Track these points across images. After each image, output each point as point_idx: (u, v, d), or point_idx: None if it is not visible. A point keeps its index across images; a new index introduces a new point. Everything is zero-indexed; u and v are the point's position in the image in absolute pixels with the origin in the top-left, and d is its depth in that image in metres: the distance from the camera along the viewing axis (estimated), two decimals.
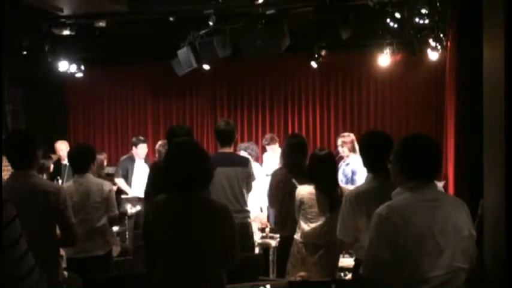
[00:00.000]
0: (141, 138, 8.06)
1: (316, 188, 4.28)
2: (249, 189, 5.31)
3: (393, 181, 2.64)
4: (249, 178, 5.22)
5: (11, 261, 1.70)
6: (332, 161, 4.40)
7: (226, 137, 5.21)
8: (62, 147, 7.96)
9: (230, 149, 5.25)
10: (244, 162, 5.25)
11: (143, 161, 7.90)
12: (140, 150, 7.85)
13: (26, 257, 1.75)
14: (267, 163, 7.67)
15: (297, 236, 4.37)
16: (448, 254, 2.42)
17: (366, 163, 3.49)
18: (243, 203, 5.17)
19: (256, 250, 5.48)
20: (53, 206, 3.42)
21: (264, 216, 6.10)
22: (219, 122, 5.54)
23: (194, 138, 5.15)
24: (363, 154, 3.56)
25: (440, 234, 2.42)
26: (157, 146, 7.35)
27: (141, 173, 7.62)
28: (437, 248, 2.41)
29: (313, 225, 4.27)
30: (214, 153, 6.23)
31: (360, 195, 3.34)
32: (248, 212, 5.26)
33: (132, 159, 7.89)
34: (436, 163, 2.58)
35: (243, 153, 6.59)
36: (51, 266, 3.43)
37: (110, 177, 7.27)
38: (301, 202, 4.31)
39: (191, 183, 2.81)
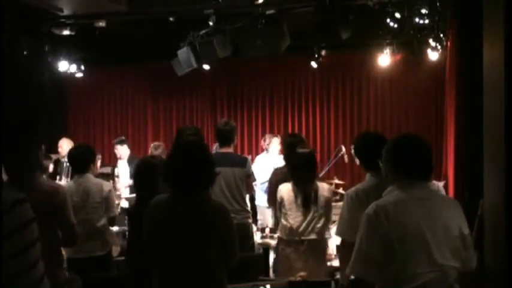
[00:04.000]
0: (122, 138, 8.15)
1: (293, 185, 4.40)
2: (248, 189, 5.31)
3: (384, 179, 2.69)
4: (248, 178, 5.22)
5: (18, 270, 1.61)
6: (311, 159, 4.46)
7: (225, 137, 5.21)
8: (62, 144, 7.93)
9: (229, 149, 5.25)
10: (243, 163, 5.25)
11: (125, 161, 7.93)
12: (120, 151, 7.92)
13: (37, 266, 1.67)
14: (259, 165, 7.65)
15: (280, 233, 4.50)
16: (437, 252, 2.43)
17: (363, 163, 3.55)
18: (242, 203, 5.17)
19: (256, 250, 5.48)
20: (53, 206, 3.42)
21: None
22: (219, 122, 5.55)
23: (202, 139, 5.13)
24: (359, 154, 3.62)
25: (430, 232, 2.44)
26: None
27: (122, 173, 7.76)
28: (426, 246, 2.42)
29: (292, 221, 4.38)
30: (213, 153, 6.24)
31: (360, 193, 3.39)
32: (248, 212, 5.26)
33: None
34: (426, 163, 2.61)
35: None
36: (53, 267, 3.43)
37: (105, 178, 7.29)
38: (281, 199, 4.45)
39: (193, 183, 2.80)
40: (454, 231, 2.50)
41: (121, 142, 7.96)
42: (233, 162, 5.18)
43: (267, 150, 7.76)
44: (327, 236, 4.44)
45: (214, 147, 6.58)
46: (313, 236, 4.33)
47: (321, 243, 4.40)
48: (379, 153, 3.12)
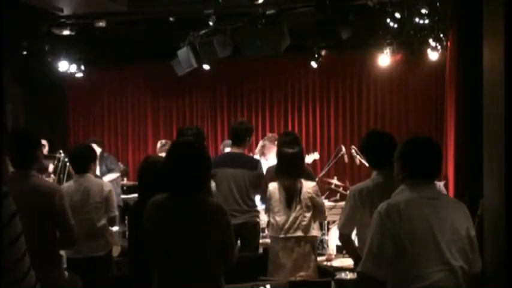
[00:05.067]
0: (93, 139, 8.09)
1: (278, 183, 4.54)
2: (260, 190, 5.30)
3: (395, 179, 2.73)
4: (258, 180, 5.22)
5: (7, 264, 1.61)
6: (294, 158, 4.55)
7: (236, 136, 5.27)
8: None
9: (241, 149, 5.27)
10: (253, 165, 5.27)
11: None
12: None
13: (23, 260, 1.67)
14: None
15: (269, 231, 4.65)
16: (445, 251, 2.45)
17: (369, 160, 3.57)
18: (251, 204, 5.21)
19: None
20: (50, 207, 3.41)
21: None
22: (236, 120, 5.79)
23: (203, 139, 5.14)
24: (366, 152, 3.63)
25: (439, 231, 2.47)
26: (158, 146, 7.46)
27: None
28: (436, 245, 2.45)
29: (278, 218, 4.52)
30: (224, 153, 6.25)
31: (364, 191, 3.42)
32: (257, 212, 5.29)
33: None
34: (436, 165, 2.67)
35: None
36: (53, 266, 3.43)
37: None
38: (269, 198, 4.59)
39: (189, 183, 2.80)
40: (462, 232, 2.52)
41: (88, 142, 7.92)
42: (244, 164, 5.22)
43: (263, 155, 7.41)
44: (314, 233, 4.54)
45: (222, 146, 6.57)
46: (298, 233, 4.45)
47: (308, 240, 4.50)
48: (386, 151, 3.19)
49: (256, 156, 6.94)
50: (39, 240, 3.20)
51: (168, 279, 2.80)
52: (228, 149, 6.59)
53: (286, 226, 4.46)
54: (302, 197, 4.46)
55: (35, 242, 1.73)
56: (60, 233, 3.52)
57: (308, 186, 4.52)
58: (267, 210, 4.69)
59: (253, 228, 5.21)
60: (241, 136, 5.25)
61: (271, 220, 4.58)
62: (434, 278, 2.42)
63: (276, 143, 7.33)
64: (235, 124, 5.44)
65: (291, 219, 4.46)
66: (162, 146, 7.47)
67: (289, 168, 4.51)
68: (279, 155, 4.68)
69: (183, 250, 2.78)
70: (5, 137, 3.14)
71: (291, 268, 4.39)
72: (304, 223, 4.45)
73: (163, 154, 7.42)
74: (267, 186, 4.98)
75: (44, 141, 7.83)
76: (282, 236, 4.48)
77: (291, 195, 4.47)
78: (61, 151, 7.57)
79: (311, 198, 4.49)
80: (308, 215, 4.47)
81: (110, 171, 7.83)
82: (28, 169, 3.40)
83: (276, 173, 4.65)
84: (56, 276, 3.44)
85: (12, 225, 1.64)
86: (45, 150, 7.56)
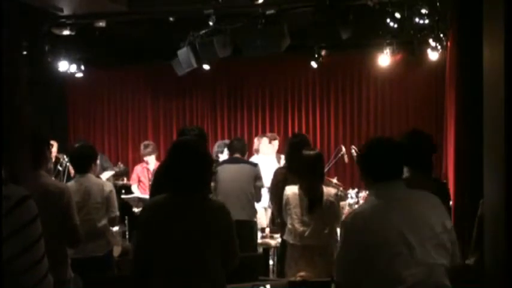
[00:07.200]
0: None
1: (300, 188, 4.20)
2: (256, 190, 5.36)
3: (365, 185, 2.72)
4: (257, 179, 5.31)
5: (25, 266, 1.61)
6: (318, 162, 4.25)
7: (240, 150, 5.71)
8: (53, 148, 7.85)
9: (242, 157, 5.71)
10: (254, 164, 5.64)
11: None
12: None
13: (42, 262, 1.67)
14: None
15: (286, 236, 4.29)
16: (421, 251, 2.42)
17: (406, 160, 3.50)
18: (252, 200, 5.25)
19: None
20: (59, 206, 3.43)
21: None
22: (233, 139, 6.23)
23: (206, 140, 5.16)
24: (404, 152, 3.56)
25: (410, 232, 2.43)
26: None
27: None
28: (408, 246, 2.41)
29: (297, 226, 4.16)
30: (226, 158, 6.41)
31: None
32: (255, 211, 5.32)
33: None
34: (396, 162, 2.60)
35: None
36: (60, 265, 3.45)
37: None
38: (287, 202, 4.24)
39: (190, 184, 2.79)
40: (437, 228, 2.49)
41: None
42: (245, 161, 5.58)
43: (257, 151, 7.42)
44: (333, 241, 4.21)
45: (216, 147, 6.62)
46: (319, 242, 4.12)
47: (328, 249, 4.16)
48: (427, 152, 3.32)
49: (256, 155, 7.10)
50: (49, 239, 3.21)
51: (168, 279, 2.80)
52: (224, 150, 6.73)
53: (306, 234, 4.10)
54: (324, 204, 4.13)
55: (46, 242, 1.73)
56: (66, 231, 3.55)
57: (330, 193, 4.19)
58: (286, 216, 4.29)
59: (251, 228, 5.22)
60: (244, 149, 5.76)
61: (289, 226, 4.21)
62: (414, 279, 2.39)
63: (273, 142, 7.46)
64: (239, 142, 5.87)
65: (311, 227, 4.10)
66: (145, 147, 7.47)
67: (311, 173, 4.16)
68: (299, 158, 4.26)
69: (183, 251, 2.77)
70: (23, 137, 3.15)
71: (312, 275, 4.01)
72: (325, 231, 4.12)
73: (149, 157, 7.46)
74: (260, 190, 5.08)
75: (52, 142, 7.80)
76: (301, 243, 4.14)
77: (313, 202, 4.12)
78: (65, 156, 7.56)
79: (331, 206, 4.16)
80: (329, 222, 4.13)
81: (104, 169, 7.84)
82: (39, 169, 3.42)
83: (296, 176, 4.28)
84: (62, 276, 3.46)
85: (32, 228, 1.65)
86: (54, 151, 7.56)
